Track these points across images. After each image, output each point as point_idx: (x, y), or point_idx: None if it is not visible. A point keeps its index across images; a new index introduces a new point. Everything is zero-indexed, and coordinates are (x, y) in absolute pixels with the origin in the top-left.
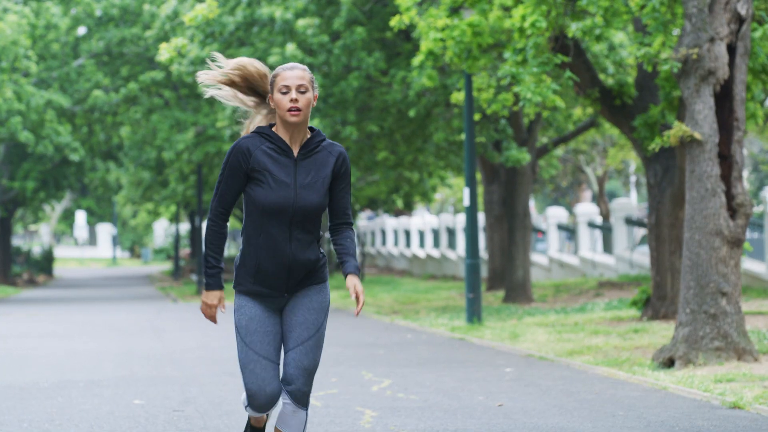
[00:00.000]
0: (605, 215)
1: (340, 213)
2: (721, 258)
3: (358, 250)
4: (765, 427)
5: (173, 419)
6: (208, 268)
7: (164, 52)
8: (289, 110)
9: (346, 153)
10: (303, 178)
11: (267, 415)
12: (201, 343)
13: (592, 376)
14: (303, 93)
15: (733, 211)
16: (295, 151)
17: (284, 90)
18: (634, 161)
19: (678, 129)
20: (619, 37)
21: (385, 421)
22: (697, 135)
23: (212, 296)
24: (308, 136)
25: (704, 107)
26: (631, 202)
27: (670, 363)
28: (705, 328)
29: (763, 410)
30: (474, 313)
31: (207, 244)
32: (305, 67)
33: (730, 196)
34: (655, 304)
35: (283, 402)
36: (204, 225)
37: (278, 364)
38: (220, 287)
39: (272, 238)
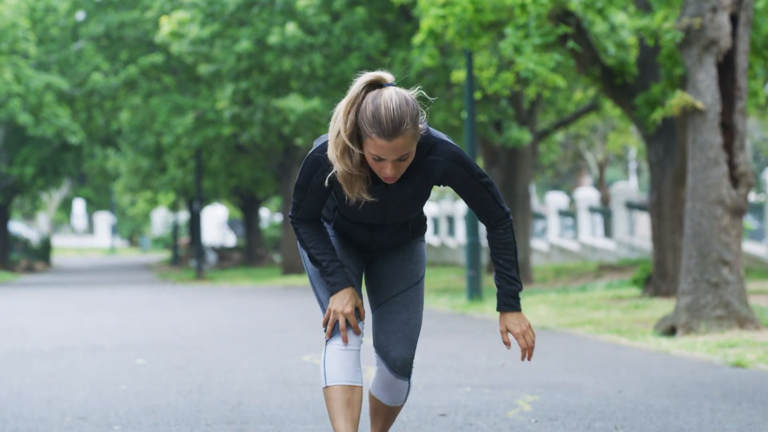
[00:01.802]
0: (606, 200)
1: (484, 217)
2: (723, 227)
3: None
4: (767, 388)
5: (176, 375)
6: (326, 267)
7: (165, 26)
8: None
9: (457, 158)
10: (397, 199)
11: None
12: (202, 316)
13: (594, 342)
14: (404, 160)
15: (735, 180)
16: None
17: (376, 158)
18: (634, 147)
19: (680, 98)
20: (620, 17)
21: None
22: (699, 104)
23: (348, 296)
24: None
25: (706, 77)
26: (631, 186)
27: (671, 331)
28: (707, 297)
29: (766, 369)
30: (474, 290)
31: (309, 246)
32: (410, 118)
33: (732, 165)
34: (656, 281)
35: (378, 368)
36: (203, 212)
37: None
38: (350, 283)
39: (351, 228)
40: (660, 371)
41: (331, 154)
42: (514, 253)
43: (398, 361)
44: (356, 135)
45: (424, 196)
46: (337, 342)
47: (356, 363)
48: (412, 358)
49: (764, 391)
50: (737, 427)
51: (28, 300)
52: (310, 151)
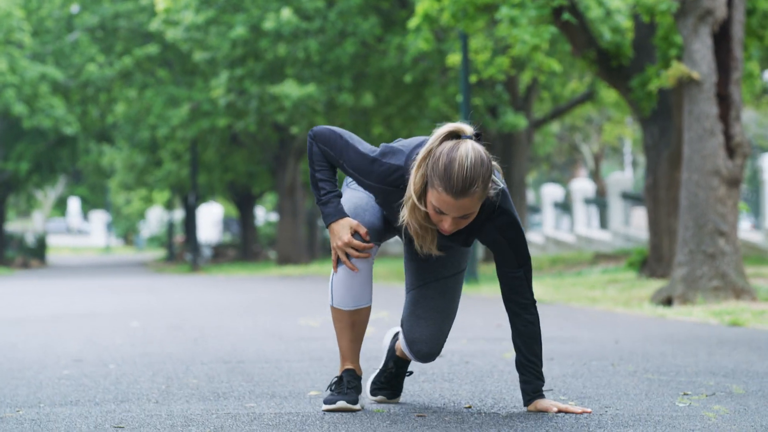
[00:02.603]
0: (601, 192)
1: (506, 290)
2: (719, 198)
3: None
4: (763, 339)
5: (170, 333)
6: (323, 195)
7: (160, 3)
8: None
9: (510, 222)
10: (443, 242)
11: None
12: (196, 298)
13: (590, 310)
14: (465, 218)
15: (731, 150)
16: None
17: (438, 210)
18: (629, 138)
19: (676, 69)
20: (615, 2)
21: (381, 334)
22: (695, 74)
23: (339, 227)
24: None
25: (702, 47)
26: (627, 176)
27: (668, 302)
28: (703, 268)
29: (762, 328)
30: (470, 273)
31: (317, 168)
32: (481, 180)
33: (728, 136)
34: (652, 264)
35: (402, 343)
36: (199, 210)
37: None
38: (342, 214)
39: None
40: (656, 329)
41: (405, 208)
42: (541, 344)
43: (421, 352)
44: (424, 184)
45: (468, 241)
46: (344, 267)
47: (364, 284)
48: (440, 350)
49: (761, 340)
50: (734, 364)
51: (24, 286)
52: (394, 161)
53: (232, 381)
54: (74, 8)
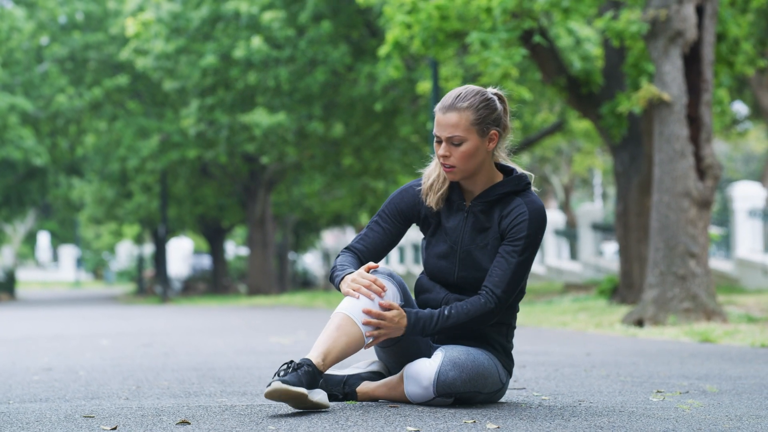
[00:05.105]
0: (572, 224)
1: (486, 279)
2: (689, 219)
3: (322, 272)
4: (734, 352)
5: (140, 350)
6: (339, 274)
7: (130, 27)
8: (442, 165)
9: (532, 212)
10: (470, 236)
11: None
12: (166, 322)
13: (561, 331)
14: (457, 145)
15: (701, 172)
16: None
17: (438, 140)
18: (599, 169)
19: (646, 90)
20: (585, 32)
21: None
22: (665, 96)
23: (348, 279)
24: (496, 180)
25: (672, 68)
26: (597, 207)
27: (639, 324)
28: (674, 290)
29: (734, 344)
30: None
31: (343, 267)
32: (471, 102)
33: (698, 157)
34: (623, 291)
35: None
36: (169, 244)
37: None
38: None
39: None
40: (628, 346)
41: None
42: (465, 320)
43: (443, 385)
44: None
45: (495, 247)
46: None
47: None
48: (461, 382)
49: (733, 353)
50: (706, 371)
51: None
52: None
53: (204, 383)
54: (44, 39)
